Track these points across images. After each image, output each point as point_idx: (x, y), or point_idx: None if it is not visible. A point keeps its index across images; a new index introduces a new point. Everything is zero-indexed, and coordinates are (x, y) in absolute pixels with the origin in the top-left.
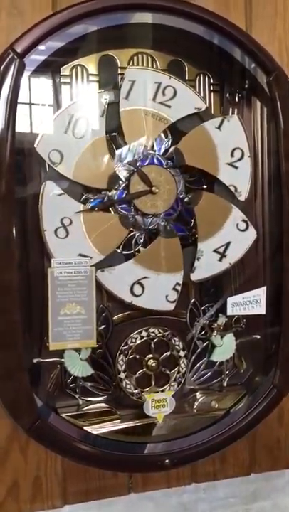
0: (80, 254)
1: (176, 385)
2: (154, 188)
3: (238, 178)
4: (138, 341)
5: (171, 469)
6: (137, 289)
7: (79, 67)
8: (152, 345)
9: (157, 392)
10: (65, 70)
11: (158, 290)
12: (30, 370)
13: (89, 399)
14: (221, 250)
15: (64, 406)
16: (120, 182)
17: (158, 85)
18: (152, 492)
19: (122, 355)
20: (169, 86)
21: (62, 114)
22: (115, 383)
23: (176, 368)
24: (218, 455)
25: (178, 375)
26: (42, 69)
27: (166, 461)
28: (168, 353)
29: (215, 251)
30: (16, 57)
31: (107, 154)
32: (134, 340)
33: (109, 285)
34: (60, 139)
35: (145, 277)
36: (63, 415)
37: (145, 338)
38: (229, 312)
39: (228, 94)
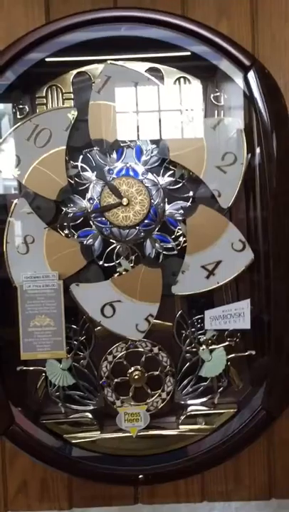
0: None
1: (158, 401)
2: (124, 200)
3: (225, 184)
4: (122, 353)
5: (144, 485)
6: (108, 311)
7: (54, 87)
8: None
9: (130, 404)
10: (41, 91)
11: (129, 316)
12: (15, 378)
13: (74, 407)
14: (209, 268)
15: (48, 413)
16: (72, 196)
17: (135, 84)
18: (160, 506)
19: (105, 366)
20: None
21: (27, 123)
22: (99, 393)
23: (163, 383)
24: (232, 475)
25: (164, 389)
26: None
27: (140, 476)
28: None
29: (203, 267)
30: None
31: (64, 167)
32: (117, 352)
33: (81, 300)
34: (21, 145)
35: (118, 301)
36: (43, 422)
37: (129, 350)
38: (208, 326)
39: (212, 96)
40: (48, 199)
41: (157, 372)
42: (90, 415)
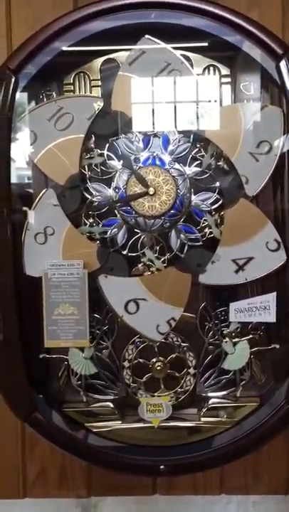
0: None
1: (180, 393)
2: (150, 190)
3: (255, 171)
4: (147, 342)
5: (166, 476)
6: (132, 307)
7: (81, 74)
8: (156, 349)
9: (152, 394)
10: (69, 78)
11: (152, 316)
12: (37, 365)
13: (95, 396)
14: (240, 262)
15: (70, 401)
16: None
17: (166, 65)
18: (178, 497)
19: (129, 352)
20: (176, 70)
21: (51, 104)
22: (121, 383)
23: (183, 377)
24: (251, 469)
25: (186, 381)
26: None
27: (162, 467)
28: (173, 356)
29: (233, 261)
30: (10, 73)
31: (78, 155)
32: (143, 340)
33: (107, 293)
34: (41, 124)
35: (144, 299)
36: (65, 410)
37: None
38: (232, 318)
39: (241, 85)
40: (75, 188)
41: (179, 374)
42: (111, 405)
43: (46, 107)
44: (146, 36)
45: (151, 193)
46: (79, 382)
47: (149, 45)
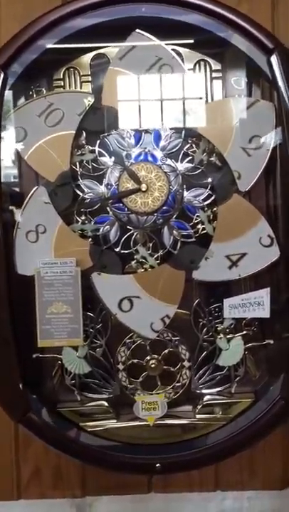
0: None
1: (176, 388)
2: (142, 186)
3: (247, 167)
4: (138, 342)
5: (162, 474)
6: (126, 305)
7: (71, 70)
8: (148, 347)
9: (149, 393)
10: (59, 73)
11: (146, 314)
12: (31, 365)
13: (89, 395)
14: (233, 258)
15: (63, 401)
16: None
17: (157, 60)
18: (173, 494)
19: (121, 354)
20: (167, 65)
21: (41, 100)
22: (115, 381)
23: (179, 371)
24: (246, 464)
25: (182, 375)
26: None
27: (157, 465)
28: (166, 351)
29: (227, 257)
30: None
31: (69, 151)
32: (134, 341)
33: (100, 290)
34: (31, 120)
35: (138, 296)
36: (59, 409)
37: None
38: (226, 315)
39: (232, 81)
40: (65, 185)
41: (174, 369)
42: (105, 403)
43: (36, 103)
44: (137, 31)
45: (143, 189)
46: (73, 381)
47: (139, 39)
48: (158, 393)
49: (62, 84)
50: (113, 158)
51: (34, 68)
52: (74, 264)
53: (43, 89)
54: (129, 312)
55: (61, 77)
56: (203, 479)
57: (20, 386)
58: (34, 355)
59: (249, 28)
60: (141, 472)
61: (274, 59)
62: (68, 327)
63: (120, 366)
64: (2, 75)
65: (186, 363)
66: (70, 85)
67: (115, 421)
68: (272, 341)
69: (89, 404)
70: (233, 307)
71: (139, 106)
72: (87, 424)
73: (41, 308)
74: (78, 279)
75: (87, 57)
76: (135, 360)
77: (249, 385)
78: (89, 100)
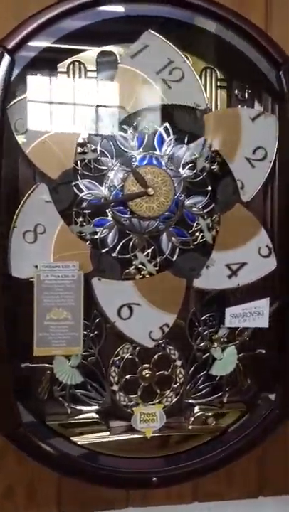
0: (35, 266)
1: (171, 397)
2: (149, 190)
3: (250, 177)
4: (132, 350)
5: (158, 488)
6: (125, 312)
7: (76, 63)
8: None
9: (147, 404)
10: (63, 66)
11: (145, 322)
12: (19, 376)
13: (79, 407)
14: (233, 267)
15: (53, 413)
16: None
17: (169, 62)
18: (151, 508)
19: (114, 364)
20: (178, 68)
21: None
22: (107, 393)
23: (172, 381)
24: (224, 475)
25: (173, 388)
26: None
27: (154, 479)
28: (165, 370)
29: (227, 266)
30: (6, 53)
31: (74, 149)
32: (127, 350)
33: (100, 297)
34: (35, 112)
35: (137, 304)
36: (49, 423)
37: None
38: (227, 324)
39: (236, 91)
40: (67, 184)
41: (168, 373)
42: (96, 415)
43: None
44: (149, 31)
45: (151, 193)
46: (62, 392)
47: (151, 40)
48: (159, 401)
49: (67, 77)
50: (118, 160)
51: (38, 57)
52: (77, 267)
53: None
54: (128, 320)
55: (65, 70)
56: (181, 491)
57: (12, 398)
58: (23, 365)
59: (261, 40)
60: (137, 487)
61: (283, 73)
62: (68, 335)
63: (115, 387)
64: (9, 60)
65: (178, 362)
66: (74, 79)
67: (108, 433)
68: (263, 351)
69: (79, 416)
70: (234, 316)
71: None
72: (79, 437)
73: (39, 314)
74: (81, 283)
75: (93, 53)
76: (128, 377)
77: (241, 395)
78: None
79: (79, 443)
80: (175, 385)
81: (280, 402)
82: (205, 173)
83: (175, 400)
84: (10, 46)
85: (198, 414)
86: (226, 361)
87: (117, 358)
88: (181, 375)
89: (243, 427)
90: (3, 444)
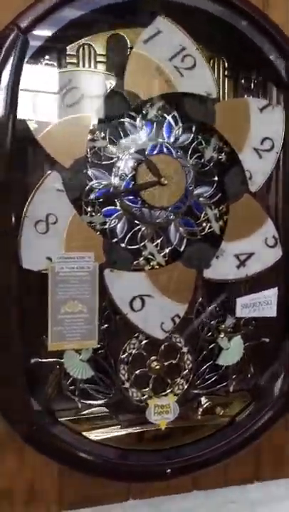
0: (48, 258)
1: (182, 385)
2: (162, 179)
3: (258, 168)
4: (138, 345)
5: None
6: (137, 304)
7: (86, 47)
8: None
9: (159, 396)
10: (72, 49)
11: (157, 314)
12: (28, 371)
13: (89, 402)
14: (242, 258)
15: (62, 409)
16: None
17: (181, 49)
18: (150, 499)
19: (123, 362)
20: (190, 56)
21: (62, 73)
22: (116, 386)
23: (181, 368)
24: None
25: (181, 379)
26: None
27: (168, 470)
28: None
29: (236, 256)
30: (19, 33)
31: (86, 136)
32: (134, 345)
33: (112, 288)
34: (48, 96)
35: (149, 295)
36: (61, 420)
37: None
38: (238, 314)
39: (242, 80)
40: (80, 172)
41: (175, 361)
42: (106, 409)
43: (55, 78)
44: (162, 16)
45: (164, 183)
46: (71, 387)
47: (163, 25)
48: (171, 390)
49: (76, 61)
50: (128, 148)
51: (49, 38)
52: (92, 259)
53: (54, 63)
54: (140, 312)
55: (75, 53)
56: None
57: (26, 397)
58: (33, 360)
59: (272, 31)
60: (152, 479)
61: None
62: (83, 328)
63: (127, 385)
64: (21, 39)
65: (185, 349)
66: (84, 63)
67: (119, 427)
68: (267, 340)
69: (89, 410)
70: (245, 306)
71: None
72: (92, 432)
73: (54, 308)
74: (96, 275)
75: (102, 36)
76: (138, 372)
77: (247, 383)
78: (110, 83)
79: (91, 437)
80: (184, 372)
81: (287, 389)
82: (212, 163)
83: (186, 386)
84: (23, 26)
85: (206, 403)
86: (232, 351)
87: (124, 355)
88: (188, 361)
89: (251, 415)
90: (2, 442)
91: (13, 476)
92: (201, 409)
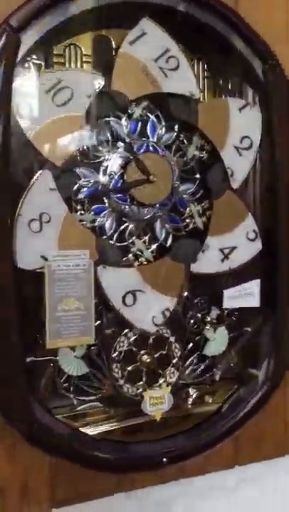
0: (42, 256)
1: (174, 373)
2: (151, 177)
3: (238, 165)
4: (127, 342)
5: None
6: (129, 299)
7: (72, 47)
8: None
9: (153, 388)
10: (59, 49)
11: (148, 308)
12: (25, 371)
13: (82, 398)
14: (225, 251)
15: (57, 406)
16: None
17: (165, 50)
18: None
19: (114, 361)
20: (174, 57)
21: (51, 73)
22: (110, 382)
23: (171, 357)
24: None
25: (172, 367)
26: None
27: (164, 459)
28: (162, 350)
29: (220, 250)
30: (11, 32)
31: (77, 136)
32: (123, 343)
33: (106, 285)
34: (38, 96)
35: (141, 290)
36: (58, 417)
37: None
38: (225, 305)
39: (220, 81)
40: (71, 171)
41: (165, 352)
42: (101, 404)
43: (45, 77)
44: (146, 18)
45: (154, 180)
46: (66, 384)
47: (148, 27)
48: (164, 380)
49: (63, 61)
50: (118, 147)
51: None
52: (87, 256)
53: (42, 63)
54: (132, 307)
55: (62, 52)
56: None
57: (26, 396)
58: (28, 359)
59: (252, 36)
60: (148, 469)
61: (269, 69)
62: (80, 325)
63: (121, 382)
64: (13, 38)
65: (172, 338)
66: (70, 63)
67: (115, 420)
68: (249, 329)
69: (84, 406)
70: (231, 298)
71: None
72: (89, 428)
73: (51, 306)
74: (91, 272)
75: (88, 36)
76: (130, 368)
77: (233, 372)
78: (99, 82)
79: (88, 433)
80: (174, 360)
81: (271, 375)
82: (194, 161)
83: (178, 374)
84: (16, 25)
85: (195, 393)
86: (217, 341)
87: (115, 354)
88: (177, 350)
89: (239, 401)
90: None
91: (4, 474)
92: (190, 399)
